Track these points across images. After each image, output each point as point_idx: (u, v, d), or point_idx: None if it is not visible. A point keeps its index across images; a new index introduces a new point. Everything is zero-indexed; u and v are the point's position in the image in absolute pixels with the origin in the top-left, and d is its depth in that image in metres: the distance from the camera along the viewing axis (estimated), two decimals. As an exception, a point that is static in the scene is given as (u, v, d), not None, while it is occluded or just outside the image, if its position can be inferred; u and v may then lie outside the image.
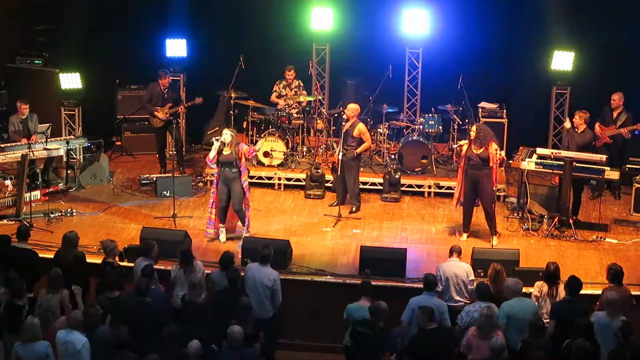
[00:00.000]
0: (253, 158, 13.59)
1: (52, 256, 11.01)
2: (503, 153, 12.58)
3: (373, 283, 10.35)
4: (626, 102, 14.17)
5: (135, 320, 9.21)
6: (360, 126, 13.49)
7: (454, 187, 13.08)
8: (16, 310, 9.38)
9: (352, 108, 13.53)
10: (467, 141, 12.43)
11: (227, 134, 12.26)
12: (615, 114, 14.14)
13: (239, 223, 12.62)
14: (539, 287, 10.17)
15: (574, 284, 9.76)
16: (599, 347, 8.93)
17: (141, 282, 9.67)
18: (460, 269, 10.54)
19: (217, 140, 12.27)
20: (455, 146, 12.70)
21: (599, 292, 10.26)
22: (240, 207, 12.39)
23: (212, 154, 12.27)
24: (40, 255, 11.11)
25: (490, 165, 12.30)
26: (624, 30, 15.24)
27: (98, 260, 11.08)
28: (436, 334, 9.08)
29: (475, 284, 10.37)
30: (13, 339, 8.79)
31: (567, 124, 13.97)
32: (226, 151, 12.24)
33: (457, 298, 10.46)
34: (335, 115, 15.27)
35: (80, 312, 9.08)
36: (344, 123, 13.48)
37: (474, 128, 12.41)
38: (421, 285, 10.16)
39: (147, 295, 9.53)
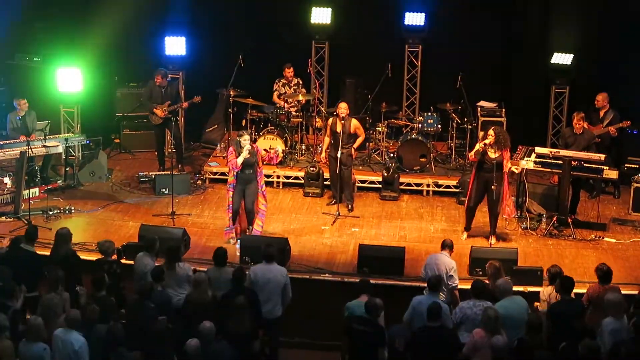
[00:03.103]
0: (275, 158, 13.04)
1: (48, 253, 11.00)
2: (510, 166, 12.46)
3: (371, 281, 10.33)
4: (625, 101, 14.17)
5: (134, 321, 9.22)
6: (354, 122, 13.52)
7: (457, 184, 13.09)
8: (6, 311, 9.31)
9: (345, 106, 13.53)
10: (482, 144, 12.21)
11: (248, 140, 12.10)
12: (601, 114, 14.14)
13: (250, 227, 12.46)
14: (548, 292, 10.07)
15: (567, 283, 9.73)
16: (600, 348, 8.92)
17: (144, 284, 9.65)
18: (442, 263, 10.46)
19: (243, 146, 12.03)
20: (479, 146, 12.22)
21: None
22: (252, 207, 12.31)
23: (241, 160, 12.05)
24: (39, 252, 11.09)
25: (504, 170, 12.24)
26: (622, 30, 15.26)
27: (96, 258, 11.03)
28: (439, 332, 9.06)
29: (455, 282, 10.41)
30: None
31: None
32: (246, 155, 12.17)
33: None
34: (334, 113, 15.25)
35: (78, 311, 9.05)
36: (341, 123, 13.44)
37: (491, 132, 12.18)
38: (419, 284, 10.14)
39: (149, 297, 9.51)
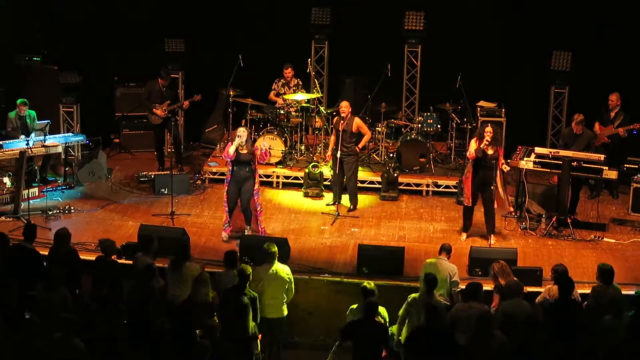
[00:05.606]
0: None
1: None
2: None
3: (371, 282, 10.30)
4: (624, 101, 14.17)
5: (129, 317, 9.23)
6: (357, 120, 13.48)
7: (456, 184, 13.04)
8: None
9: (346, 104, 13.49)
10: (485, 143, 12.18)
11: (244, 133, 12.15)
12: (612, 114, 14.15)
13: (249, 226, 12.54)
14: (548, 291, 10.09)
15: (566, 283, 9.72)
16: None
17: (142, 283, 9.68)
18: (443, 268, 10.44)
19: (239, 137, 12.11)
20: (483, 145, 12.20)
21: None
22: (247, 206, 12.34)
23: (233, 149, 12.09)
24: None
25: (499, 168, 12.23)
26: (622, 29, 15.26)
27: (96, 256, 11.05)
28: (436, 332, 9.05)
29: (459, 285, 10.37)
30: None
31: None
32: (242, 150, 12.20)
33: (437, 297, 10.27)
34: (334, 113, 15.24)
35: (75, 315, 9.03)
36: (342, 122, 13.43)
37: (489, 129, 12.17)
38: (419, 285, 10.14)
39: (143, 294, 9.53)
